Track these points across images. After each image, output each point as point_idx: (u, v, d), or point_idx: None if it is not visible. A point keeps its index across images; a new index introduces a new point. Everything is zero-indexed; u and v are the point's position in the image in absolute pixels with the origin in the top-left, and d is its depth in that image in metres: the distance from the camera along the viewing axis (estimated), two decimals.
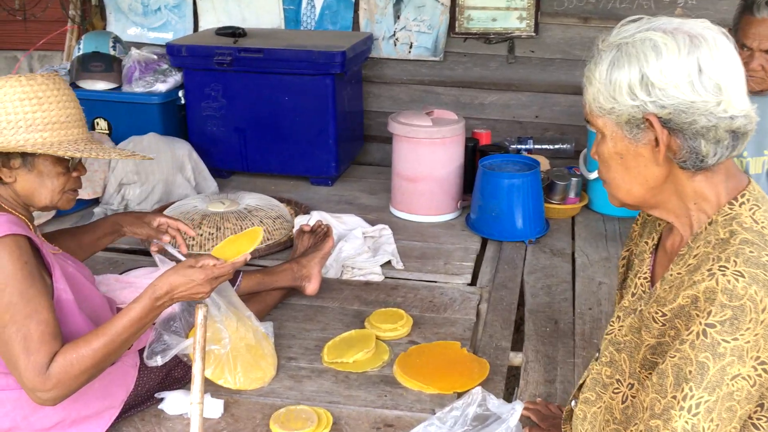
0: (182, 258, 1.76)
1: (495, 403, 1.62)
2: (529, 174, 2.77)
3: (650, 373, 1.14)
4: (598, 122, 1.16)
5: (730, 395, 1.03)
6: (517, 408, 1.53)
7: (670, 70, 1.06)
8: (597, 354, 1.33)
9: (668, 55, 1.06)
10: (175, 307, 1.83)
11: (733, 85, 1.07)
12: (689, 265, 1.11)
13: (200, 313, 1.61)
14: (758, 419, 1.09)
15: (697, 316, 1.04)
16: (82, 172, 1.69)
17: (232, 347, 1.86)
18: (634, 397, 1.20)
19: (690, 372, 1.03)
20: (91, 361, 1.49)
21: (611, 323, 1.30)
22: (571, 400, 1.43)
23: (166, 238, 1.91)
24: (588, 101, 1.16)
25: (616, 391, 1.24)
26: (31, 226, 1.62)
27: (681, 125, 1.08)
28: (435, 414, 1.78)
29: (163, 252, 1.97)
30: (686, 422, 1.03)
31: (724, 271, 1.04)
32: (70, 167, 1.65)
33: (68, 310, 1.62)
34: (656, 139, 1.11)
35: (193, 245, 2.62)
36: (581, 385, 1.38)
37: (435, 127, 2.89)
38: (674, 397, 1.05)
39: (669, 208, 1.18)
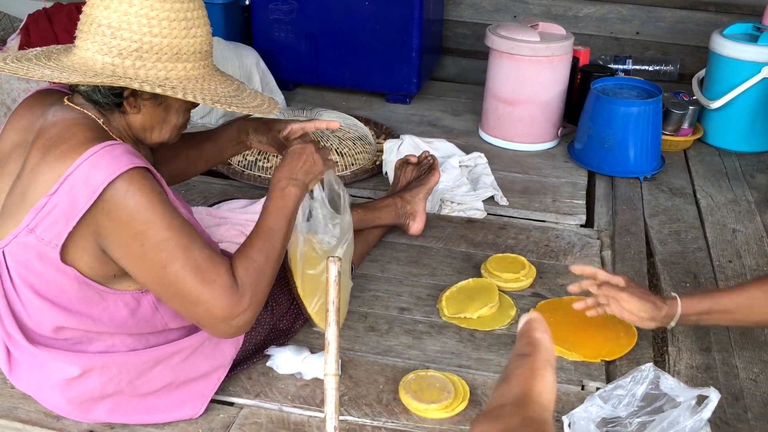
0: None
1: (671, 385, 1.39)
2: (650, 102, 2.44)
3: None
4: None
5: None
6: (713, 398, 1.29)
7: None
8: None
9: None
10: None
11: None
12: None
13: (333, 269, 1.34)
14: None
15: None
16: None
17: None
18: None
19: None
20: (264, 260, 1.31)
21: None
22: None
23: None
24: None
25: None
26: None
27: None
28: (583, 386, 1.57)
29: None
30: None
31: None
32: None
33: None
34: None
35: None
36: None
37: (543, 43, 2.55)
38: None
39: None
